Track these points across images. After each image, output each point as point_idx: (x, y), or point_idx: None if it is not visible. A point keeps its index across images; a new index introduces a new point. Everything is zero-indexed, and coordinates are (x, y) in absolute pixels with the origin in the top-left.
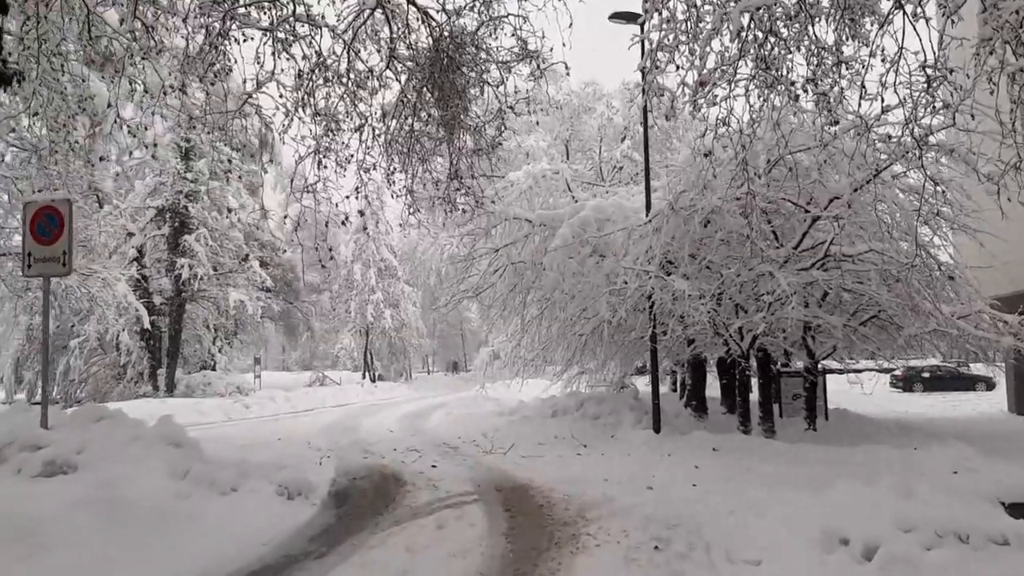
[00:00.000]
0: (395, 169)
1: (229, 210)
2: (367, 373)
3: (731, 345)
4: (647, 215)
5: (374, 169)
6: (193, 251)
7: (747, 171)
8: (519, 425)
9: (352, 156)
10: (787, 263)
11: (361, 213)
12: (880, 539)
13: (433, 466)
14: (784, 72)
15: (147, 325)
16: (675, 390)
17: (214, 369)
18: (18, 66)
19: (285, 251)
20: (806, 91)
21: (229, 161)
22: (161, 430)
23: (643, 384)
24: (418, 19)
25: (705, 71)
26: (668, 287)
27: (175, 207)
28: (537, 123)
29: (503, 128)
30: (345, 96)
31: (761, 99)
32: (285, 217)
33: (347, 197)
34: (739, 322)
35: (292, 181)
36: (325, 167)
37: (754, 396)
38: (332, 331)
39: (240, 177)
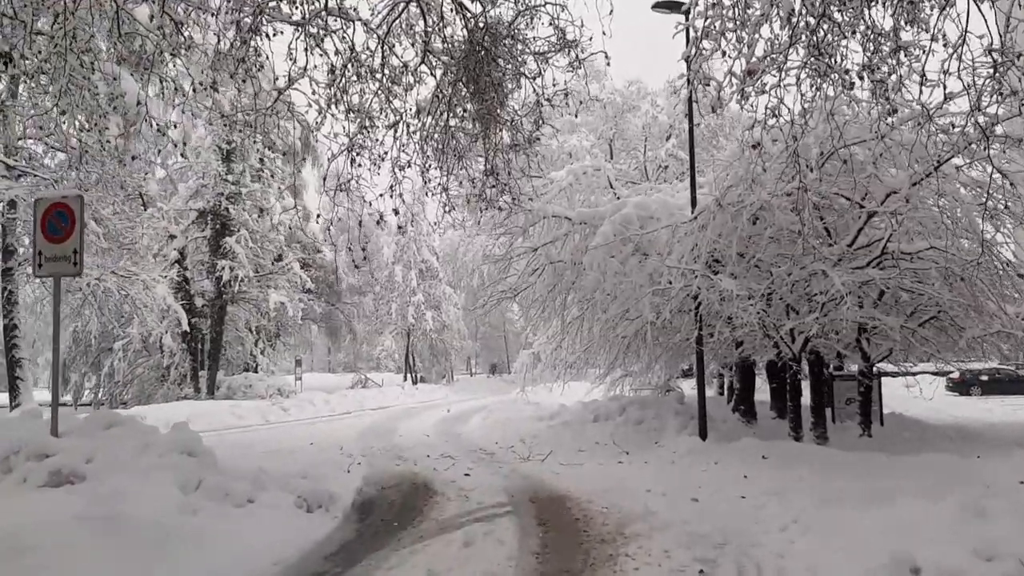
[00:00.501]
0: (430, 166)
1: (261, 210)
2: (408, 375)
3: (781, 347)
4: (692, 212)
5: (409, 167)
6: (234, 253)
7: (799, 164)
8: (559, 430)
9: (386, 154)
10: (841, 261)
11: (396, 212)
12: (959, 569)
13: (466, 474)
14: (838, 60)
15: (186, 327)
16: (722, 393)
17: (256, 371)
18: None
19: (320, 251)
20: (861, 79)
21: (261, 161)
22: (175, 438)
23: (689, 387)
24: (452, 9)
25: (754, 59)
26: (715, 287)
27: (216, 209)
28: (576, 115)
29: (541, 122)
30: (380, 92)
31: (813, 88)
32: (318, 216)
33: (380, 195)
34: (790, 323)
35: (325, 180)
36: (359, 165)
37: (805, 400)
38: (375, 333)
39: (283, 180)
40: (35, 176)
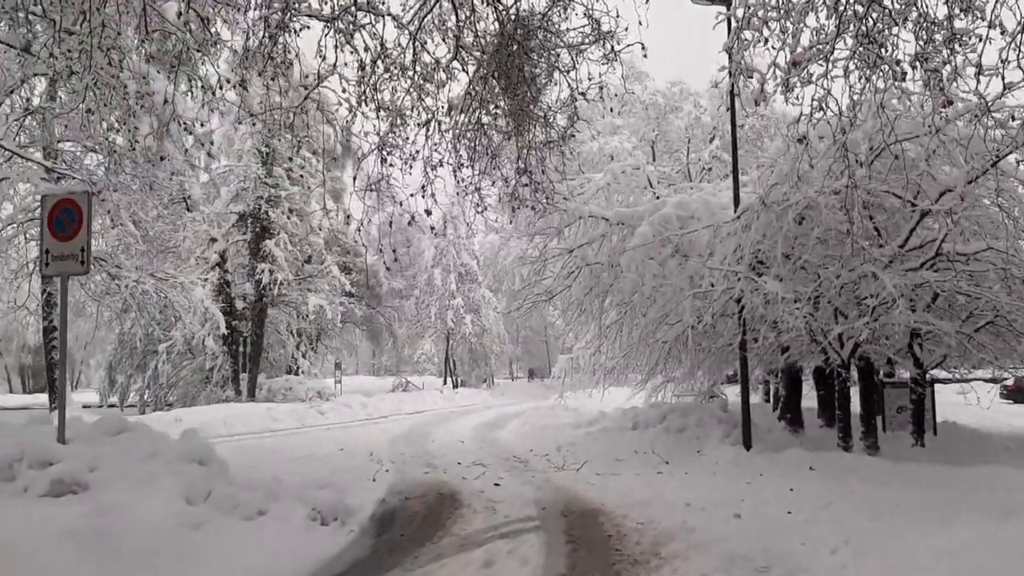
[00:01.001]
0: (462, 165)
1: (300, 214)
2: (448, 379)
3: (830, 353)
4: (735, 211)
5: (441, 166)
6: (273, 256)
7: (848, 159)
8: (597, 438)
9: (418, 152)
10: (892, 263)
11: (428, 213)
12: None
13: (496, 484)
14: (888, 50)
15: (223, 330)
16: (768, 400)
17: (297, 374)
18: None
19: (360, 255)
20: (914, 68)
21: (301, 165)
22: (184, 446)
23: (734, 394)
24: (484, 2)
25: (799, 50)
26: (759, 289)
27: (256, 212)
28: (618, 115)
29: (575, 118)
30: (411, 90)
31: (862, 80)
32: (347, 217)
33: (412, 195)
34: (839, 328)
35: (355, 179)
36: (391, 165)
37: (855, 408)
38: (416, 337)
39: (324, 183)
40: (74, 178)
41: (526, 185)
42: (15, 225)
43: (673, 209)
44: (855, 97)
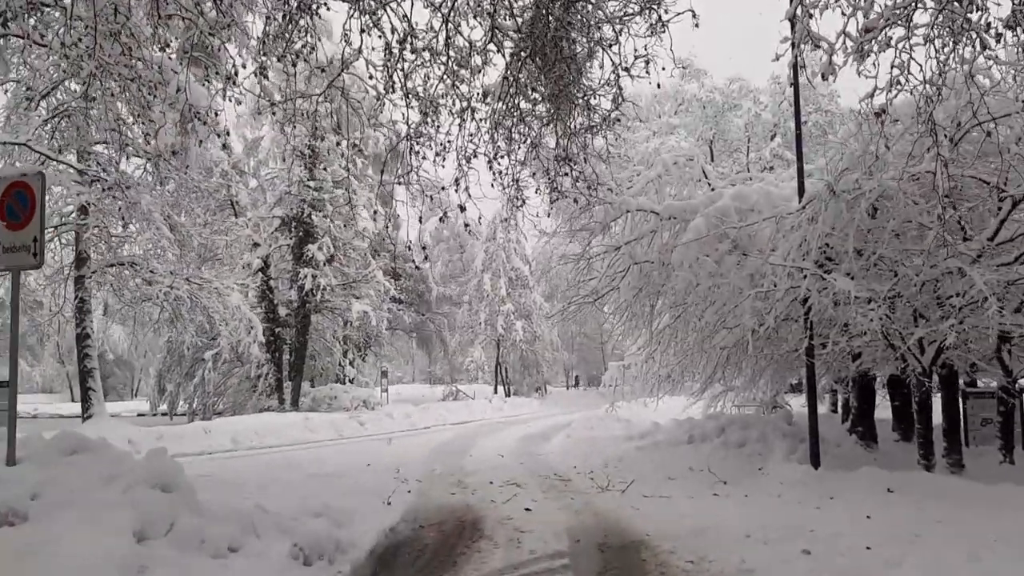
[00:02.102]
0: (499, 154)
1: (334, 214)
2: (500, 387)
3: (908, 360)
4: (800, 202)
5: (475, 156)
6: (316, 261)
7: (935, 132)
8: (648, 453)
9: (451, 143)
10: (981, 257)
11: (462, 208)
12: None
13: (527, 509)
14: (976, 14)
15: (260, 337)
16: (835, 411)
17: (345, 383)
18: None
19: (404, 257)
20: (1011, 29)
21: (327, 152)
22: (148, 468)
23: (798, 404)
24: None
25: (873, 15)
26: (828, 288)
27: (299, 216)
28: (658, 83)
29: (620, 99)
30: (445, 76)
31: (945, 50)
32: (389, 220)
33: (443, 189)
34: (920, 331)
35: (383, 172)
36: (423, 156)
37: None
38: (467, 344)
39: (372, 187)
40: (106, 181)
41: (566, 174)
42: (50, 229)
43: (730, 201)
44: (937, 70)
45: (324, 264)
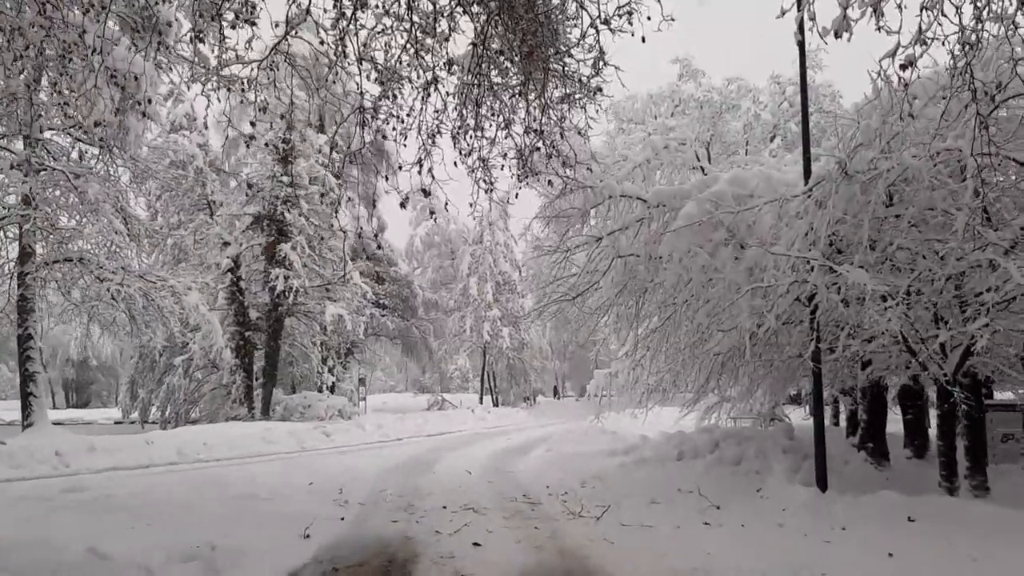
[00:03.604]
0: (466, 130)
1: (309, 212)
2: (487, 396)
3: (930, 367)
4: (806, 184)
5: (439, 134)
6: (289, 261)
7: (972, 88)
8: (632, 470)
9: (413, 119)
10: (1015, 248)
11: (426, 192)
12: None
13: (476, 544)
14: None
15: (220, 341)
16: (837, 424)
17: (323, 390)
18: None
19: (389, 261)
20: None
21: (315, 151)
22: None
23: (797, 417)
24: None
25: None
26: (839, 283)
27: (272, 214)
28: (642, 36)
29: (602, 63)
30: (408, 45)
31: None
32: (356, 213)
33: (401, 168)
34: (945, 334)
35: (332, 150)
36: (382, 134)
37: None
38: (452, 352)
39: (356, 187)
40: (54, 170)
41: (538, 149)
42: None
43: (727, 186)
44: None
45: (298, 264)
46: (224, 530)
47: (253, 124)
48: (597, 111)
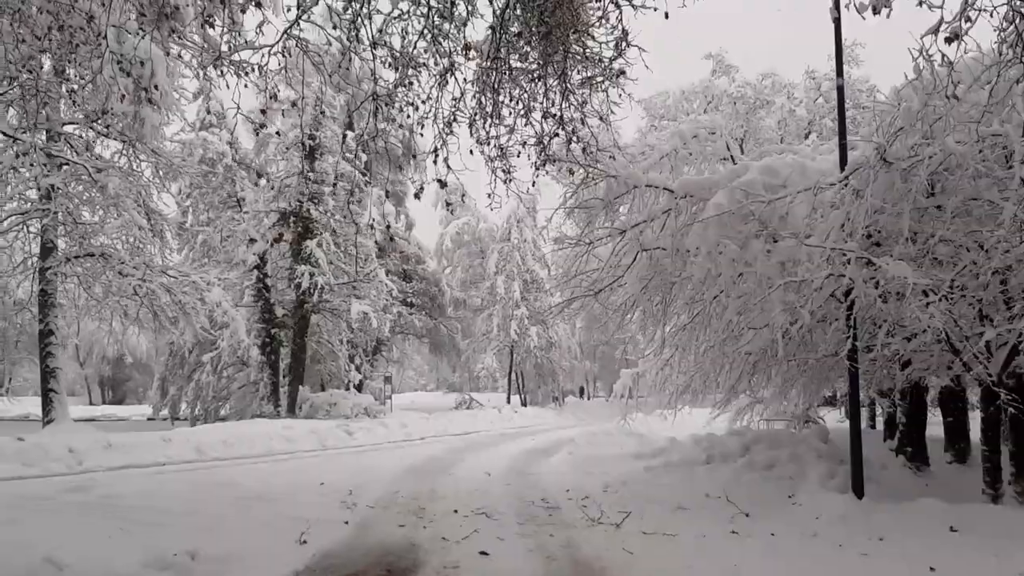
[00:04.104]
0: (485, 114)
1: (335, 209)
2: (517, 396)
3: (973, 367)
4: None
5: (455, 121)
6: (314, 258)
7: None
8: (658, 475)
9: (430, 109)
10: None
11: (442, 184)
12: None
13: (484, 553)
14: None
15: (242, 335)
16: (873, 426)
17: (351, 388)
18: None
19: (417, 259)
20: None
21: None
22: None
23: (833, 419)
24: None
25: None
26: (878, 276)
27: (298, 211)
28: (666, 13)
29: (625, 43)
30: (425, 31)
31: None
32: (382, 211)
33: (415, 156)
34: (991, 331)
35: (344, 138)
36: (399, 123)
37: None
38: (480, 350)
39: (384, 184)
40: (76, 164)
41: (557, 134)
42: (14, 217)
43: (758, 175)
44: None
45: (323, 261)
46: (215, 535)
47: (264, 112)
48: (620, 95)
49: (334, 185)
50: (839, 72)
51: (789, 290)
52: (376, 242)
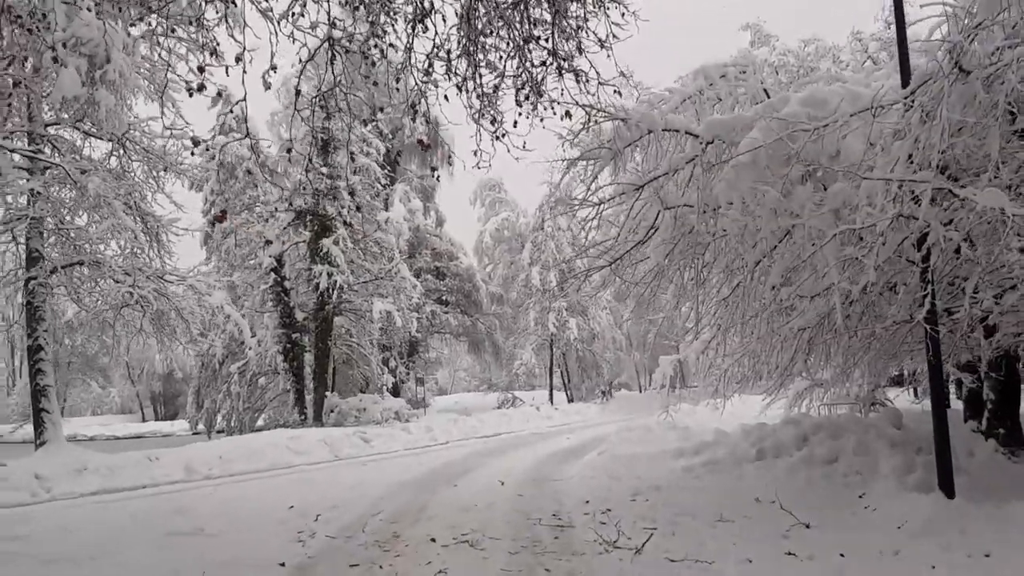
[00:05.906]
0: (466, 52)
1: (353, 206)
2: (557, 392)
3: None
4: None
5: (432, 68)
6: (332, 256)
7: None
8: (699, 477)
9: (407, 58)
10: None
11: (425, 146)
12: None
13: None
14: None
15: (248, 339)
16: (948, 404)
17: (387, 392)
18: None
19: (450, 255)
20: None
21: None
22: None
23: (905, 400)
24: None
25: None
26: (959, 215)
27: (315, 208)
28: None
29: None
30: None
31: None
32: (409, 207)
33: (381, 110)
34: None
35: (298, 95)
36: (364, 75)
37: None
38: (519, 346)
39: (411, 180)
40: (60, 168)
41: (543, 63)
42: None
43: (799, 107)
44: None
45: (341, 259)
46: None
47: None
48: (623, 15)
49: (348, 180)
50: None
51: (846, 241)
52: (406, 240)
